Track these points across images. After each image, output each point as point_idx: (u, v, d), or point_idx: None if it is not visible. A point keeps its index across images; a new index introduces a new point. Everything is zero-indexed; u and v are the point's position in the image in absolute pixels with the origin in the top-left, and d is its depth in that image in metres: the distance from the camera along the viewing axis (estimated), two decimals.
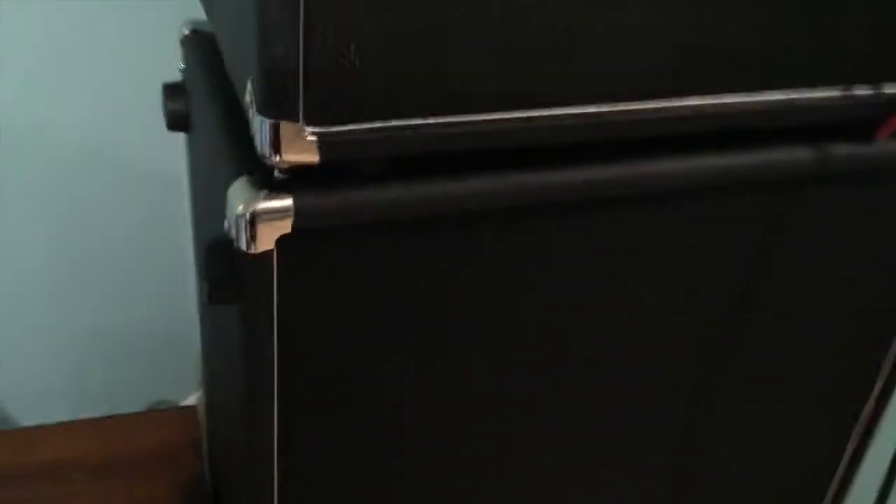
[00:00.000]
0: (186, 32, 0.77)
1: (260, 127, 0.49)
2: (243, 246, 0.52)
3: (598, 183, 0.58)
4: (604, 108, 0.56)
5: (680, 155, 0.62)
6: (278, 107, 0.48)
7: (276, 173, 0.53)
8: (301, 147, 0.50)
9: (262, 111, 0.49)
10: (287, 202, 0.51)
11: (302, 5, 0.45)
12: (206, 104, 0.65)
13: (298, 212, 0.52)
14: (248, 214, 0.51)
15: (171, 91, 0.76)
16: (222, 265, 0.54)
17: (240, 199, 0.51)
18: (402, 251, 0.56)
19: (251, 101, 0.50)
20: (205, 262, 0.54)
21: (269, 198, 0.51)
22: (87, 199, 1.29)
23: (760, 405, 0.79)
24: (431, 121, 0.51)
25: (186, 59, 0.76)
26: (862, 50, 0.62)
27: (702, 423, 0.77)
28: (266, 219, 0.51)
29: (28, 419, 1.28)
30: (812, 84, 0.62)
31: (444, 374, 0.63)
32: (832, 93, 0.62)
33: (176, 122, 0.76)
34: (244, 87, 0.51)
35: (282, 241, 0.53)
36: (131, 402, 1.28)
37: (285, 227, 0.52)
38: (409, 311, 0.59)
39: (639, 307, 0.67)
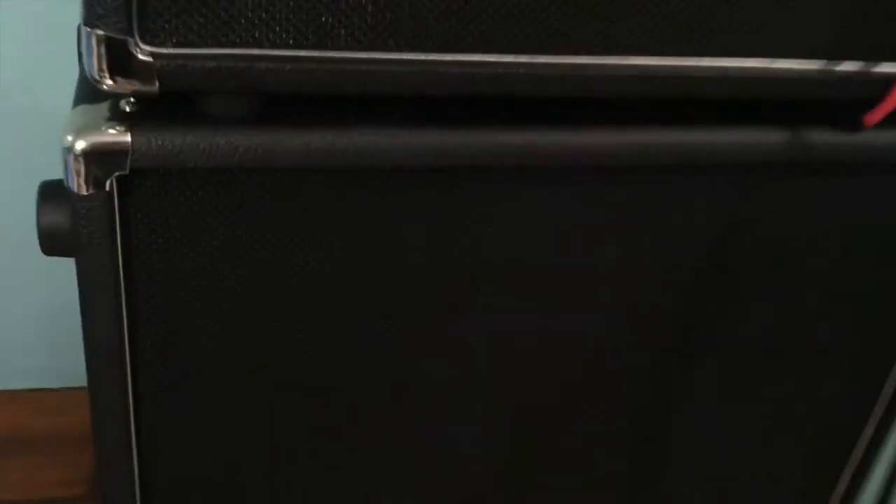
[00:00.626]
0: None
1: (85, 41, 0.41)
2: (73, 186, 0.44)
3: (503, 148, 0.49)
4: (508, 59, 0.47)
5: (643, 129, 0.53)
6: (105, 16, 0.40)
7: (123, 105, 0.45)
8: (135, 69, 0.42)
9: (88, 21, 0.41)
10: (123, 137, 0.43)
11: None
12: None
13: (136, 150, 0.44)
14: (76, 149, 0.43)
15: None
16: (57, 210, 0.46)
17: (71, 131, 0.44)
18: (272, 203, 0.48)
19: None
20: (38, 205, 0.47)
21: (102, 131, 0.43)
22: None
23: (734, 406, 0.68)
24: (301, 53, 0.43)
25: None
26: (851, 20, 0.52)
27: (672, 414, 0.68)
28: (98, 155, 0.43)
29: None
30: (787, 54, 0.52)
31: (317, 347, 0.54)
32: (810, 65, 0.53)
33: None
34: None
35: (123, 183, 0.45)
36: None
37: (121, 165, 0.44)
38: (274, 271, 0.50)
39: (601, 288, 0.58)
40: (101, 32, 0.41)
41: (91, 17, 0.40)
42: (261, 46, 0.43)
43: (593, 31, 0.47)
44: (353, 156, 0.47)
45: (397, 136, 0.47)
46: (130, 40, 0.41)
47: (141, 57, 0.41)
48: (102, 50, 0.41)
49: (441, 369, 0.57)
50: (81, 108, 0.45)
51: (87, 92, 0.46)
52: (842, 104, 0.55)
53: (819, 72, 0.53)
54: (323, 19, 0.43)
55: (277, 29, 0.42)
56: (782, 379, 0.67)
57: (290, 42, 0.43)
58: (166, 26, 0.41)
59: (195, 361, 0.52)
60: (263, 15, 0.42)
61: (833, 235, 0.60)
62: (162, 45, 0.41)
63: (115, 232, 0.46)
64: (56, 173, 0.46)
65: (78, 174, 0.44)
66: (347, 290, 0.52)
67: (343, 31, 0.43)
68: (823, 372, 0.68)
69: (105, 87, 0.42)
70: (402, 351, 0.55)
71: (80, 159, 0.43)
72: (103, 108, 0.45)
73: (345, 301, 0.52)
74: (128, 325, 0.49)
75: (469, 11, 0.44)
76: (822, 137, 0.55)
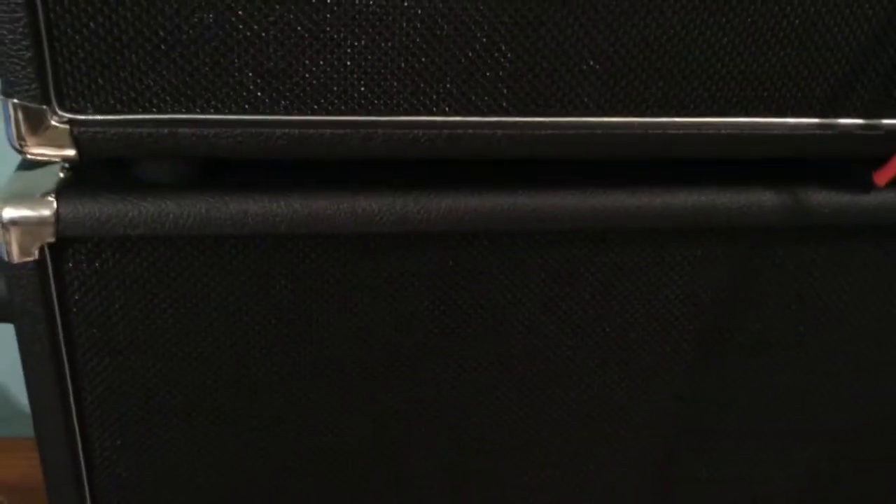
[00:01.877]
0: None
1: (2, 110, 0.40)
2: (4, 254, 0.43)
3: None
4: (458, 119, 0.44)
5: (642, 191, 0.49)
6: (19, 84, 0.39)
7: (57, 171, 0.44)
8: (52, 137, 0.40)
9: (3, 90, 0.40)
10: (48, 206, 0.42)
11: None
12: None
13: (63, 218, 0.42)
14: (3, 217, 0.42)
15: None
16: None
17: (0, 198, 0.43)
18: (213, 271, 0.46)
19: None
20: None
21: (29, 200, 0.42)
22: None
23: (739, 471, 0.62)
24: (217, 117, 0.41)
25: None
26: (853, 76, 0.47)
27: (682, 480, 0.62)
28: (24, 224, 0.42)
29: None
30: (786, 112, 0.48)
31: (264, 408, 0.51)
32: (809, 121, 0.48)
33: None
34: None
35: (56, 251, 0.44)
36: None
37: (47, 234, 0.43)
38: (217, 338, 0.48)
39: (603, 349, 0.54)
40: (16, 101, 0.39)
41: (6, 84, 0.39)
42: (185, 111, 0.41)
43: (595, 92, 0.44)
44: (293, 223, 0.44)
45: (340, 202, 0.45)
46: (46, 108, 0.40)
47: (56, 124, 0.40)
48: (20, 117, 0.40)
49: (416, 435, 0.54)
50: (17, 174, 0.44)
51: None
52: (848, 162, 0.50)
53: (818, 127, 0.48)
54: (250, 86, 0.41)
55: (203, 93, 0.41)
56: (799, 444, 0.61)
57: (215, 108, 0.41)
58: (85, 92, 0.40)
59: (143, 427, 0.50)
60: (187, 80, 0.40)
61: (845, 302, 0.54)
62: (80, 111, 0.40)
63: (51, 300, 0.45)
64: None
65: (7, 242, 0.43)
66: (288, 354, 0.49)
67: (271, 96, 0.41)
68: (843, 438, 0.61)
69: (26, 155, 0.41)
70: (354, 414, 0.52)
71: (8, 228, 0.42)
72: (37, 175, 0.44)
73: (284, 362, 0.49)
74: (73, 394, 0.48)
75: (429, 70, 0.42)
76: (828, 199, 0.50)
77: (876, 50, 0.47)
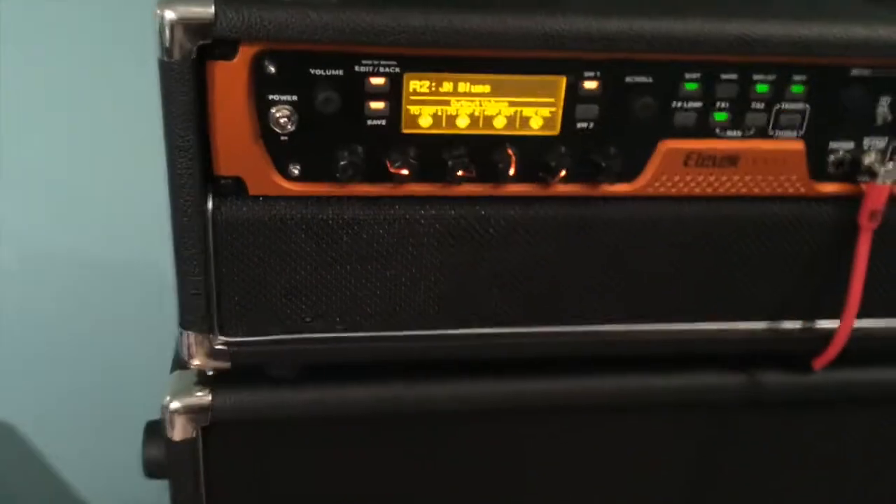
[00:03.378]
0: None
1: (179, 338, 0.57)
2: (169, 433, 0.59)
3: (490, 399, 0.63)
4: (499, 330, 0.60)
5: (614, 376, 0.65)
6: (194, 322, 0.56)
7: (208, 371, 0.60)
8: (213, 354, 0.57)
9: (182, 325, 0.56)
10: (205, 399, 0.59)
11: (213, 268, 0.54)
12: None
13: (215, 407, 0.59)
14: (171, 407, 0.58)
15: None
16: (158, 444, 0.61)
17: (169, 392, 0.59)
18: (321, 448, 0.62)
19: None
20: (144, 441, 0.62)
21: (191, 394, 0.59)
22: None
23: None
24: (334, 335, 0.58)
25: None
26: (792, 287, 0.63)
27: None
28: (185, 413, 0.59)
29: None
30: (740, 317, 0.64)
31: None
32: (760, 326, 0.64)
33: None
34: None
35: (207, 430, 0.60)
36: None
37: (204, 420, 0.59)
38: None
39: None
40: (190, 333, 0.56)
41: (184, 322, 0.56)
42: (303, 332, 0.57)
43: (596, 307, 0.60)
44: (378, 407, 0.61)
45: (409, 388, 0.61)
46: (212, 336, 0.56)
47: (218, 346, 0.57)
48: (192, 341, 0.57)
49: None
50: (178, 373, 0.61)
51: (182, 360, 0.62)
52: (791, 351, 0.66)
53: (767, 331, 0.64)
54: (341, 320, 0.58)
55: (322, 321, 0.57)
56: None
57: (330, 329, 0.58)
58: (237, 325, 0.57)
59: None
60: (310, 315, 0.57)
61: (801, 462, 0.70)
62: (234, 336, 0.57)
63: (200, 468, 0.61)
64: None
65: (172, 425, 0.59)
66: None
67: (361, 323, 0.58)
68: None
69: (192, 365, 0.57)
70: None
71: (175, 415, 0.59)
72: (192, 374, 0.60)
73: None
74: None
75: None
76: (777, 379, 0.66)
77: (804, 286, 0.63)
